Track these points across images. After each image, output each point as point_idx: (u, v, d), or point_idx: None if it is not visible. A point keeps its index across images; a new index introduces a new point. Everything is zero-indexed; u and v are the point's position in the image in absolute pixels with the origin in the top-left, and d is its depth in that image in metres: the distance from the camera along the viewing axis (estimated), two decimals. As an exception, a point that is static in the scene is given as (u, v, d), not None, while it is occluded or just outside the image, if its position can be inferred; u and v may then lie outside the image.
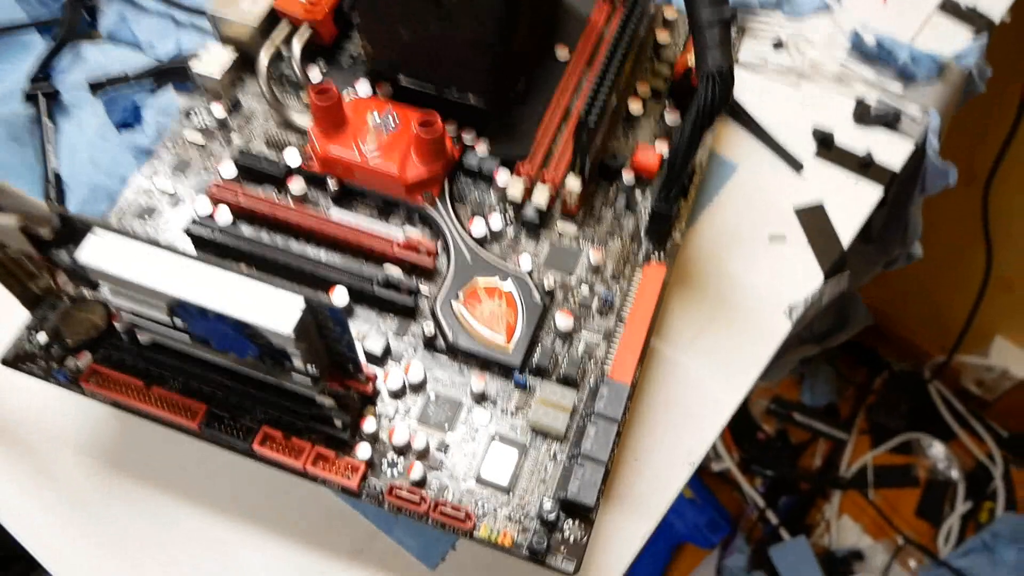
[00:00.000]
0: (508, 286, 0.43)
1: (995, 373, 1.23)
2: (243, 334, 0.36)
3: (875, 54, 0.61)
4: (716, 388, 0.49)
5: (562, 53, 0.51)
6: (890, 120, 0.59)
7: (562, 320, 0.43)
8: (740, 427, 1.36)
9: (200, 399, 0.41)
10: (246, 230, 0.46)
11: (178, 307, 0.36)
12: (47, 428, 0.47)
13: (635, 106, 0.50)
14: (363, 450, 0.39)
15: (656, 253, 0.46)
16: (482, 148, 0.48)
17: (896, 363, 1.36)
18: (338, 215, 0.46)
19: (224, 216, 0.45)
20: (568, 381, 0.42)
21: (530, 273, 0.44)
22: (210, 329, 0.37)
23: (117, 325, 0.40)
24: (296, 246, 0.45)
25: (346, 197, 0.47)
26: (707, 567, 1.28)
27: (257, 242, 0.44)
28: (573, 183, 0.45)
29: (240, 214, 0.46)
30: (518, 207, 0.47)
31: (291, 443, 0.40)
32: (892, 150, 0.58)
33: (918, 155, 0.60)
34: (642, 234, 0.46)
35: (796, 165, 0.57)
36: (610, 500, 0.45)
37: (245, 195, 0.45)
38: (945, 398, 1.34)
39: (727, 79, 0.40)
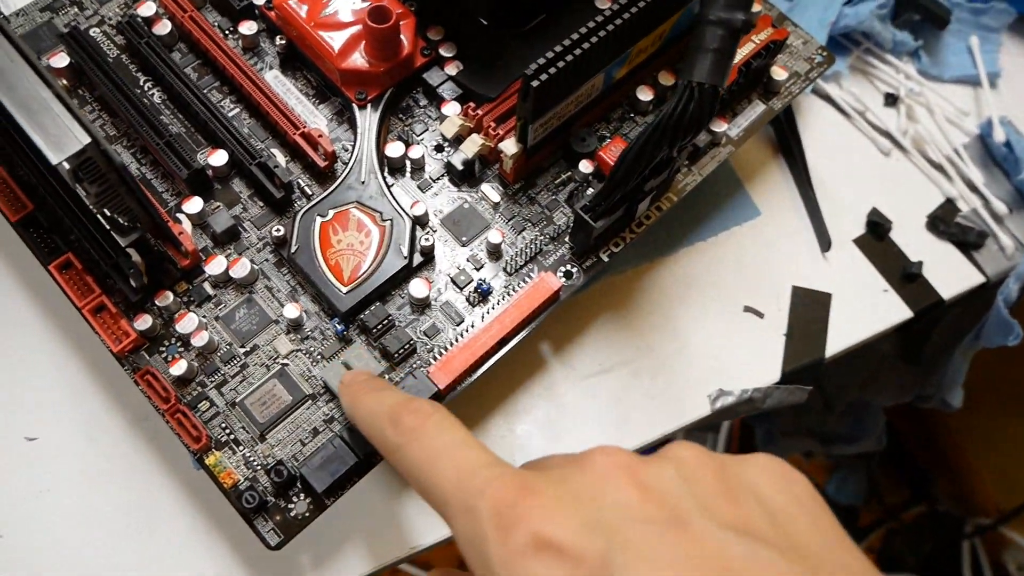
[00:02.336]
0: (384, 226, 0.37)
1: (1042, 567, 1.06)
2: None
3: (998, 156, 0.49)
4: (589, 436, 0.42)
5: (603, 1, 0.43)
6: (970, 241, 0.48)
7: (418, 288, 0.37)
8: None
9: (33, 200, 0.38)
10: (179, 54, 0.42)
11: None
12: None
13: (644, 95, 0.41)
14: (144, 321, 0.36)
15: (571, 265, 0.39)
16: (452, 69, 0.41)
17: (942, 502, 1.21)
18: (273, 78, 0.42)
19: (163, 28, 0.41)
20: (387, 354, 0.36)
21: (420, 222, 0.38)
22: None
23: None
24: (217, 94, 0.41)
25: (290, 63, 0.42)
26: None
27: (175, 71, 0.40)
28: (509, 147, 0.38)
29: (181, 33, 0.42)
30: (453, 149, 0.40)
31: (85, 280, 0.36)
32: (952, 275, 0.47)
33: (984, 296, 0.48)
34: (566, 237, 0.39)
35: (825, 242, 0.47)
36: (409, 493, 0.40)
37: (194, 17, 0.41)
38: (977, 564, 1.18)
39: (708, 99, 0.32)
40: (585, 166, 0.40)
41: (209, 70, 0.41)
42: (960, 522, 1.19)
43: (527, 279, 0.38)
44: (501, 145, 0.38)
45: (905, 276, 0.47)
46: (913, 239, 0.48)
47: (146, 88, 0.41)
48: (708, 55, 0.32)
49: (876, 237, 0.48)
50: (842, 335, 0.45)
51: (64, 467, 0.40)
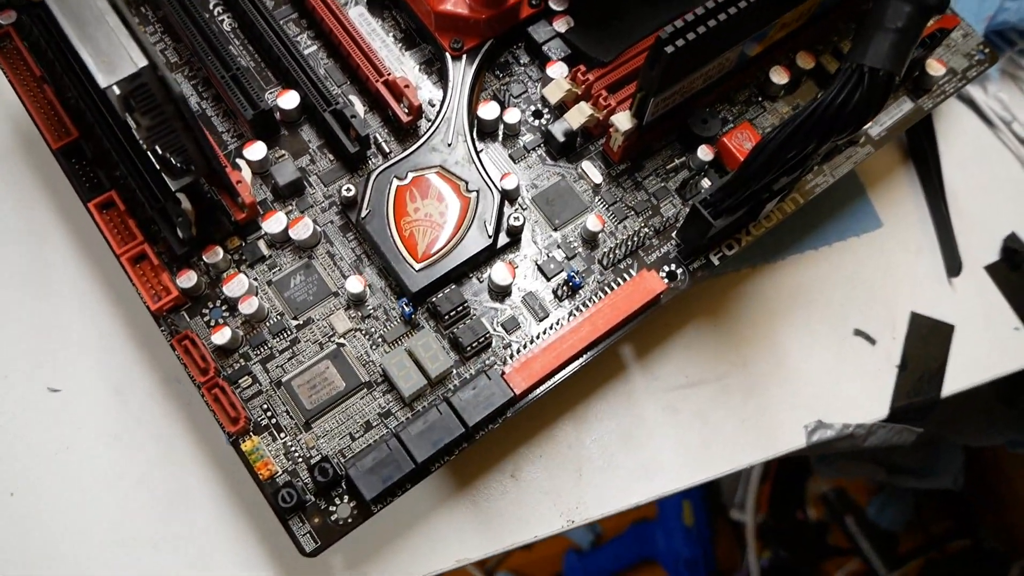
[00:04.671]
0: (469, 198, 0.33)
1: (1091, 619, 1.00)
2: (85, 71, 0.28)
3: None
4: (664, 458, 0.37)
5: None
6: (1120, 282, 0.42)
7: (501, 273, 0.32)
8: (784, 493, 1.21)
9: (80, 125, 0.34)
10: (256, -24, 0.37)
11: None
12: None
13: (778, 77, 0.36)
14: (188, 278, 0.31)
15: (675, 264, 0.34)
16: (562, 25, 0.36)
17: (988, 539, 1.15)
18: (358, 15, 0.37)
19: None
20: (457, 346, 0.32)
21: (509, 197, 0.33)
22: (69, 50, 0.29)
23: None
24: (294, 28, 0.36)
25: (379, 2, 0.37)
26: (661, 598, 1.17)
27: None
28: (623, 121, 0.33)
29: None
30: (556, 117, 0.35)
31: (127, 224, 0.32)
32: (1095, 319, 0.41)
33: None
34: (674, 232, 0.34)
35: (954, 266, 0.41)
36: (462, 494, 0.36)
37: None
38: (1018, 606, 1.12)
39: (880, 89, 0.27)
40: (704, 152, 0.34)
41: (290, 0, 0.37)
42: (1006, 560, 1.14)
43: (625, 276, 0.33)
44: (613, 118, 0.33)
45: (1041, 314, 0.41)
46: (1054, 273, 0.42)
47: (216, 13, 0.36)
48: (888, 35, 0.26)
49: (1011, 266, 0.42)
50: (962, 373, 0.40)
51: (87, 424, 0.36)
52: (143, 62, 0.25)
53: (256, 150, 0.33)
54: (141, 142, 0.28)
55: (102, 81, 0.25)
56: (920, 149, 0.43)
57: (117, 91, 0.25)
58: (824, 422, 0.38)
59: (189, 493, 0.35)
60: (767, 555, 1.22)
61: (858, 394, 0.39)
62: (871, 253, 0.41)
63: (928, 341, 0.40)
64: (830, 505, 1.23)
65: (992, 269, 0.42)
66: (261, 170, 0.34)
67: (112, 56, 0.25)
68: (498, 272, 0.32)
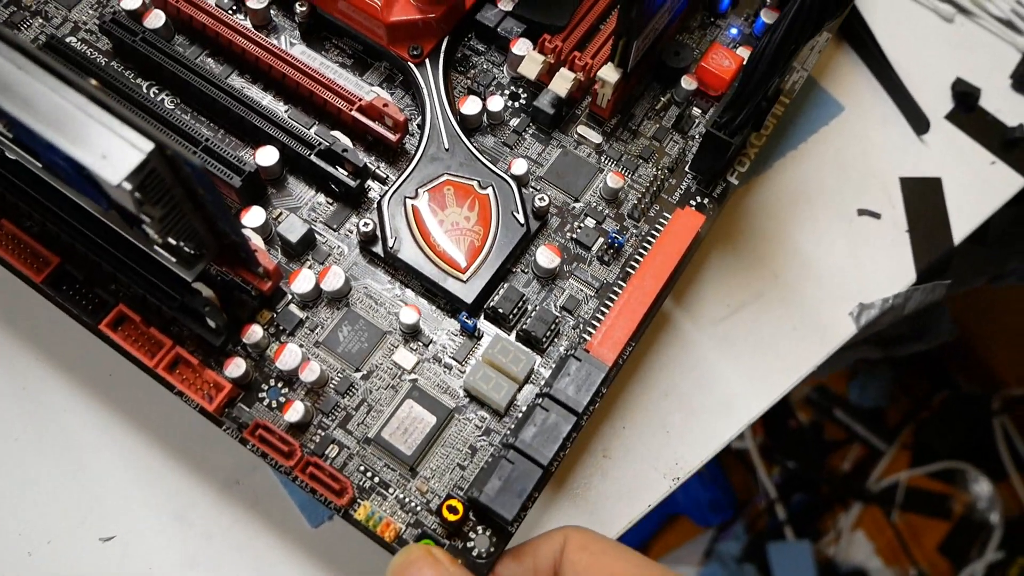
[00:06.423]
0: (487, 194, 0.32)
1: (1075, 423, 1.08)
2: (83, 176, 0.25)
3: (1066, 2, 0.46)
4: (736, 388, 0.37)
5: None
6: (1062, 94, 0.44)
7: (546, 257, 0.31)
8: (772, 410, 1.24)
9: (56, 251, 0.31)
10: (182, 48, 0.35)
11: (8, 121, 0.25)
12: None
13: (724, -7, 0.36)
14: (236, 367, 0.29)
15: (700, 196, 0.34)
16: (507, 3, 0.35)
17: (965, 384, 1.21)
18: (301, 54, 0.35)
19: (156, 20, 0.34)
20: (531, 341, 0.31)
21: (521, 182, 0.33)
22: (53, 162, 0.26)
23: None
24: (238, 82, 0.34)
25: (317, 32, 0.35)
26: (697, 545, 1.18)
27: (186, 65, 0.33)
28: (610, 74, 0.32)
29: (179, 24, 0.35)
30: (532, 93, 0.35)
31: (149, 334, 0.30)
32: (1053, 133, 0.44)
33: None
34: (687, 166, 0.34)
35: (921, 123, 0.43)
36: (559, 493, 0.35)
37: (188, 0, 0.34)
38: (1008, 436, 1.19)
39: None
40: (687, 82, 0.35)
41: (223, 58, 0.35)
42: (987, 400, 1.20)
43: (660, 222, 0.33)
44: (599, 73, 0.32)
45: (1008, 143, 0.43)
46: (1004, 103, 0.44)
47: (151, 95, 0.34)
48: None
49: (966, 108, 0.44)
50: (965, 218, 0.42)
51: (155, 561, 0.33)
52: (148, 146, 0.23)
53: (255, 216, 0.31)
54: (156, 236, 0.26)
55: (113, 179, 0.23)
56: (851, 29, 0.45)
57: (129, 187, 0.23)
58: (865, 303, 0.39)
59: (296, 589, 0.33)
60: (776, 471, 1.25)
61: (883, 268, 0.40)
62: (844, 136, 0.43)
63: (924, 199, 0.42)
64: (815, 404, 1.27)
65: (952, 116, 0.44)
66: (264, 235, 0.32)
67: (111, 151, 0.23)
68: (544, 256, 0.31)
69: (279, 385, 0.30)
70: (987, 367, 1.19)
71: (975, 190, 0.42)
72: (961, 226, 0.42)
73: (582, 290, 0.32)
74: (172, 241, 0.27)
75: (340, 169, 0.32)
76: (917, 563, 1.17)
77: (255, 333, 0.30)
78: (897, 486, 1.26)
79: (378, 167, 0.33)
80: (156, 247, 0.27)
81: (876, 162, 0.42)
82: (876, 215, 0.41)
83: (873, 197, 0.41)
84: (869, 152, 0.42)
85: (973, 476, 1.22)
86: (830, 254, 0.40)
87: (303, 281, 0.30)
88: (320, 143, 0.32)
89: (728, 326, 0.38)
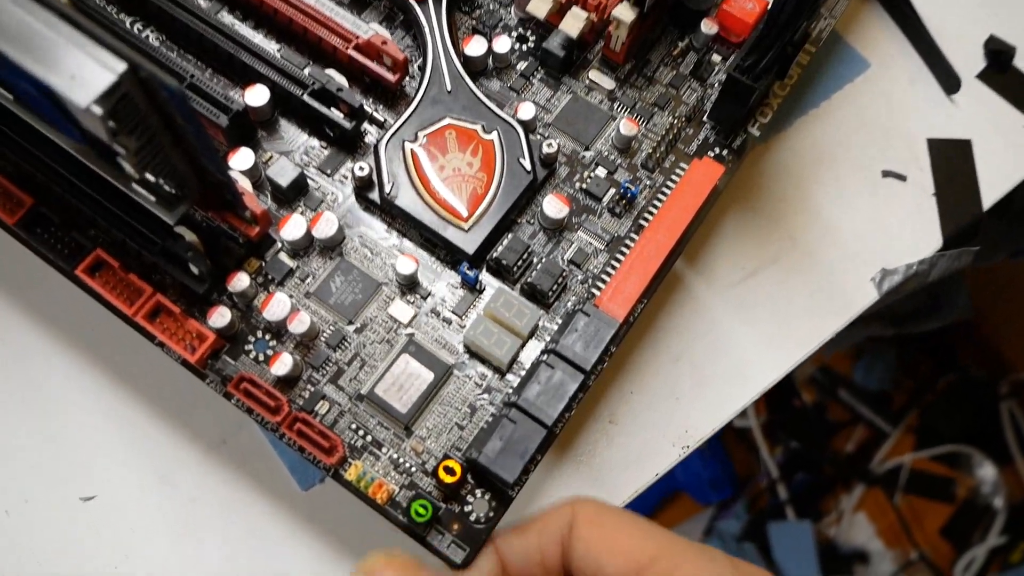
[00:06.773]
0: (491, 139, 0.30)
1: (1084, 409, 1.06)
2: (54, 104, 0.23)
3: (1106, -42, 0.43)
4: (749, 355, 0.35)
5: None
6: (1099, 53, 0.42)
7: (553, 206, 0.29)
8: (776, 387, 1.22)
9: (30, 191, 0.29)
10: (166, -21, 0.33)
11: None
12: None
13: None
14: (220, 316, 0.27)
15: (718, 147, 0.32)
16: (515, -59, 0.33)
17: (974, 368, 1.20)
18: (294, -12, 0.33)
19: (139, -49, 0.32)
20: (535, 295, 0.29)
21: (529, 128, 0.30)
22: (21, 89, 0.24)
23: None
24: (228, 19, 0.32)
25: (311, -34, 0.33)
26: (697, 523, 1.17)
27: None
28: (625, 13, 0.30)
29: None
30: (541, 35, 0.32)
31: (128, 280, 0.28)
32: (1090, 96, 0.42)
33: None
34: (705, 115, 0.32)
35: (952, 83, 0.41)
36: (563, 459, 0.33)
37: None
38: (1015, 421, 1.18)
39: None
40: (707, 26, 0.32)
41: (213, -8, 0.32)
42: (994, 384, 1.19)
43: (676, 173, 0.31)
44: (614, 13, 0.30)
45: (1042, 105, 0.41)
46: (1039, 63, 0.42)
47: (137, 30, 0.32)
48: None
49: (999, 68, 0.42)
50: (994, 183, 0.39)
51: (139, 524, 0.31)
52: (121, 66, 0.21)
53: (243, 157, 0.29)
54: (132, 171, 0.24)
55: (81, 101, 0.21)
56: (878, -19, 0.42)
57: (99, 111, 0.21)
58: (887, 269, 0.37)
59: (278, 552, 0.31)
60: (779, 451, 1.24)
61: (907, 232, 0.38)
62: (870, 94, 0.40)
63: (952, 162, 0.40)
64: (819, 384, 1.25)
65: (984, 76, 0.41)
66: (253, 179, 0.30)
67: (82, 71, 0.21)
68: (549, 206, 0.29)
69: (266, 337, 0.28)
70: (996, 350, 1.17)
71: (1007, 154, 0.40)
72: (989, 192, 0.39)
73: (591, 243, 0.30)
74: (151, 178, 0.25)
75: (335, 110, 0.30)
76: (918, 546, 1.16)
77: (241, 281, 0.28)
78: (901, 468, 1.25)
79: (376, 110, 0.31)
80: (134, 184, 0.25)
81: (902, 122, 0.40)
82: (902, 177, 0.39)
83: (899, 158, 0.39)
84: (895, 111, 0.40)
85: (978, 460, 1.21)
86: (852, 217, 0.38)
87: (293, 227, 0.28)
88: (314, 82, 0.30)
89: (743, 290, 0.36)
